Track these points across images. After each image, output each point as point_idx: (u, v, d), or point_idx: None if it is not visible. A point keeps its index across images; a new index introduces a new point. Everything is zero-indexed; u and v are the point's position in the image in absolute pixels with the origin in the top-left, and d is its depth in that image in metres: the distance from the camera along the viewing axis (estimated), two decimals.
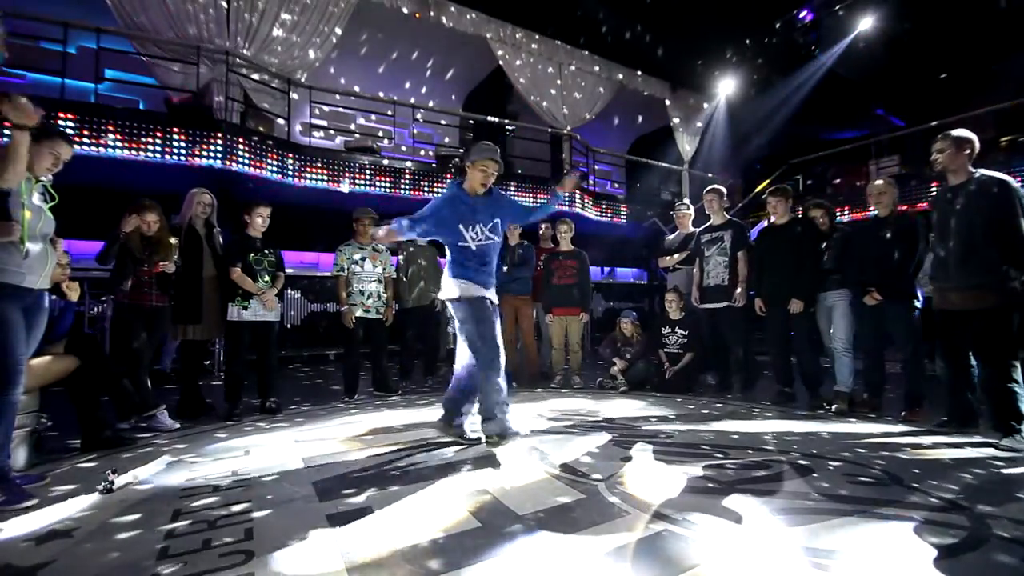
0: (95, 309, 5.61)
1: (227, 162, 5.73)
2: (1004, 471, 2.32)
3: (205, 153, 5.65)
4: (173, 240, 3.48)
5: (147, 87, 6.69)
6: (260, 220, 3.79)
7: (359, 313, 4.34)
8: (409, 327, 4.97)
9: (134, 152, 5.43)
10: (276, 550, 1.58)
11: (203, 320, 3.62)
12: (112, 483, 2.12)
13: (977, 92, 8.98)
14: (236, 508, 1.92)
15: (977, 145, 2.89)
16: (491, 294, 2.89)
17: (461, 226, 2.78)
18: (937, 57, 10.06)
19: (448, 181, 2.92)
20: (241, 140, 5.94)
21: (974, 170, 2.90)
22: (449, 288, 2.83)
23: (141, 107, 6.99)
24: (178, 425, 3.29)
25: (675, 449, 2.70)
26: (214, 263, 3.71)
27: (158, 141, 5.51)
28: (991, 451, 2.61)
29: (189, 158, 5.60)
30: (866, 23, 9.26)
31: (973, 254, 2.78)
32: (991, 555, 1.51)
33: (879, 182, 3.66)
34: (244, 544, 1.62)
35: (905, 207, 6.39)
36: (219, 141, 5.71)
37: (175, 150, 5.56)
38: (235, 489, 2.14)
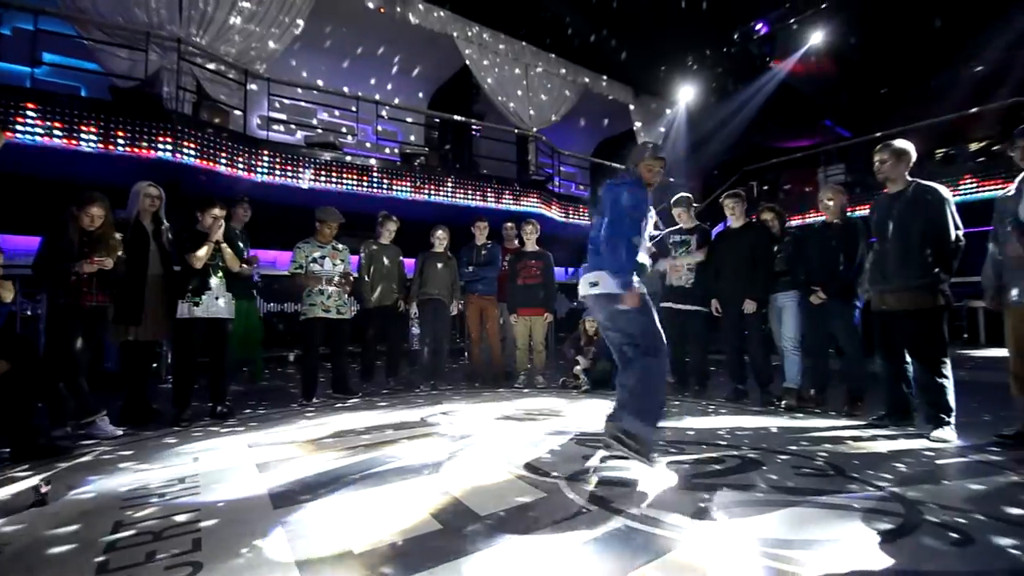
0: (28, 309, 5.23)
1: (177, 154, 5.47)
2: (935, 461, 2.48)
3: (153, 144, 5.38)
4: (117, 236, 3.28)
5: (90, 73, 6.30)
6: (211, 221, 3.58)
7: (319, 313, 4.23)
8: (371, 327, 4.88)
9: (75, 142, 5.11)
10: (226, 560, 1.52)
11: (145, 321, 3.42)
12: (44, 495, 1.98)
13: (915, 106, 9.59)
14: (183, 518, 1.83)
15: (914, 155, 3.09)
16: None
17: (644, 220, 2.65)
18: (881, 72, 10.71)
19: (618, 179, 2.72)
20: (193, 132, 5.68)
21: (911, 179, 3.09)
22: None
23: (83, 94, 6.59)
24: (121, 432, 3.11)
25: None
26: (161, 261, 3.53)
27: (101, 130, 5.21)
28: (924, 442, 2.79)
29: (135, 149, 5.31)
30: (817, 37, 9.74)
31: (909, 258, 2.96)
32: (922, 539, 1.61)
33: (830, 190, 3.84)
34: (192, 555, 1.55)
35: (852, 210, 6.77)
36: (169, 132, 5.45)
37: (120, 140, 5.26)
38: (182, 498, 2.04)
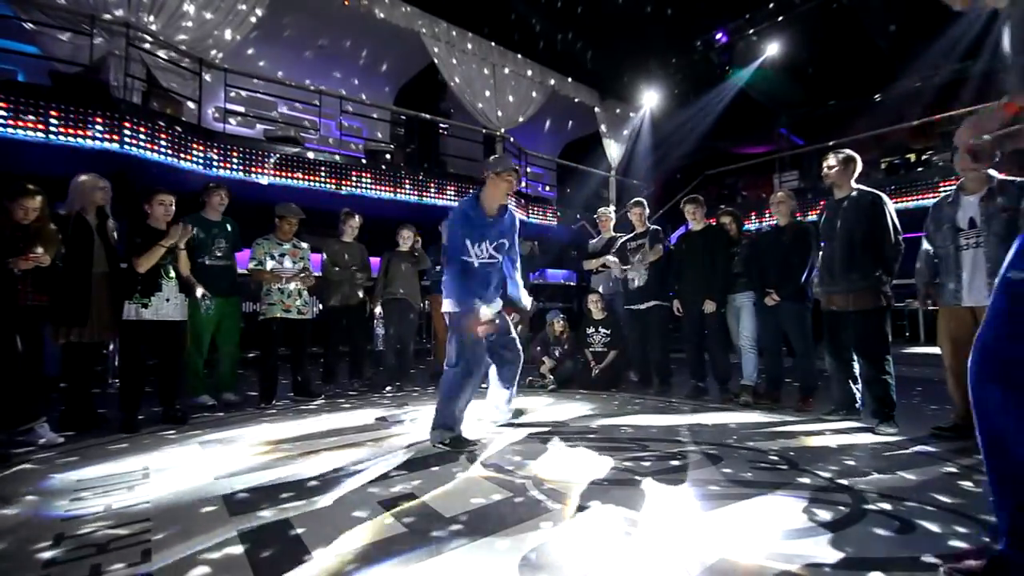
0: None
1: (124, 145, 5.18)
2: (880, 453, 2.63)
3: (99, 135, 5.07)
4: (53, 227, 3.06)
5: (29, 57, 5.89)
6: (162, 209, 3.42)
7: (278, 313, 4.10)
8: (334, 328, 4.76)
9: (10, 129, 4.77)
10: (180, 572, 1.45)
11: (90, 320, 3.22)
12: None
13: (862, 117, 10.13)
14: (132, 528, 1.74)
15: (860, 163, 3.27)
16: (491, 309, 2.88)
17: (468, 241, 2.75)
18: (832, 85, 11.27)
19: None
20: (142, 121, 5.39)
21: (856, 186, 3.26)
22: (445, 304, 2.84)
23: (20, 79, 6.15)
24: (62, 439, 2.92)
25: (599, 443, 2.81)
26: (107, 257, 3.33)
27: (41, 118, 4.88)
28: (869, 435, 2.96)
29: (80, 139, 5.00)
30: (773, 49, 10.15)
31: (853, 261, 3.13)
32: (869, 527, 1.70)
33: (779, 194, 4.04)
34: (141, 568, 1.47)
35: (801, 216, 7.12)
36: (116, 122, 5.15)
37: (61, 129, 4.94)
38: (131, 507, 1.94)
